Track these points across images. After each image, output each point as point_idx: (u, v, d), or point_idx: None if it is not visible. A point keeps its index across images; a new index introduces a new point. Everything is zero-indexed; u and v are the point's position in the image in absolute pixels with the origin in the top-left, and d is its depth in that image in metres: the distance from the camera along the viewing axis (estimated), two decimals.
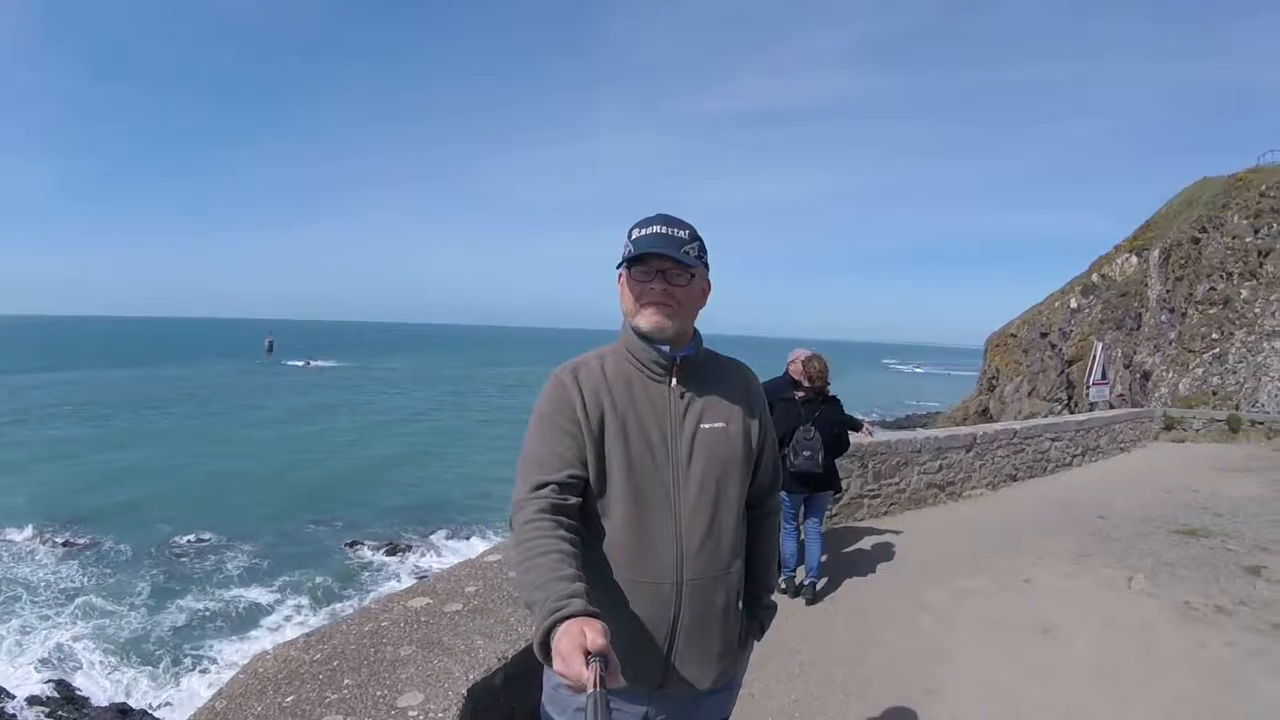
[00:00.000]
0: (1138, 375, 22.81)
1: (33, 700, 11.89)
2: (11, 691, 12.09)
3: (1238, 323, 20.19)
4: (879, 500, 8.56)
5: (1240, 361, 19.53)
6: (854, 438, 6.75)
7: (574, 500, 1.62)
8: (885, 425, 34.80)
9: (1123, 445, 14.66)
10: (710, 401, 1.74)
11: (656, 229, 1.66)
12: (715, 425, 1.72)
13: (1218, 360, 20.16)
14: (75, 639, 14.20)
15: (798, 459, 5.66)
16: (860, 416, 7.27)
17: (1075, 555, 7.35)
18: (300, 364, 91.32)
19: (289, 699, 2.08)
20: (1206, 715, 4.15)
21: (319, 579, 17.55)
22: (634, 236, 1.67)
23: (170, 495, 24.59)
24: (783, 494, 5.41)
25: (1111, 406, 17.07)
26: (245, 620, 15.48)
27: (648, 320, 1.67)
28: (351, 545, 20.05)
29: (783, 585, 5.81)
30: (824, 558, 6.08)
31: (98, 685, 12.80)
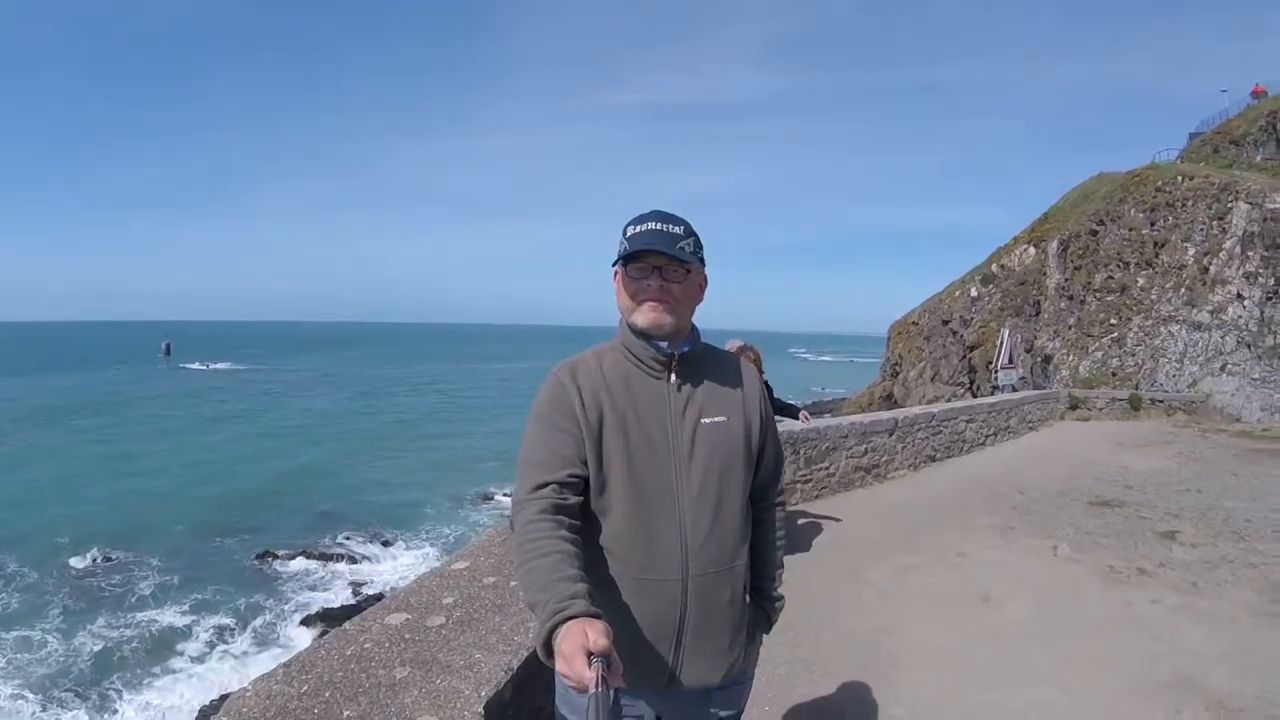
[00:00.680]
0: (1039, 359, 24.00)
1: None
2: None
3: (1135, 309, 21.58)
4: (810, 485, 8.77)
5: (1138, 345, 20.86)
6: (791, 424, 6.85)
7: (575, 500, 1.62)
8: None
9: (1032, 425, 15.40)
10: (710, 396, 1.75)
11: (651, 225, 1.66)
12: (716, 420, 1.73)
13: (1116, 344, 21.47)
14: None
15: None
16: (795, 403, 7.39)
17: (1000, 529, 7.69)
18: (200, 367, 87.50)
19: None
20: (1140, 665, 4.42)
21: (236, 595, 16.85)
22: (629, 234, 1.67)
23: (70, 515, 23.00)
24: None
25: (1015, 390, 17.87)
26: (165, 643, 14.72)
27: (644, 317, 1.67)
28: (264, 557, 19.28)
29: None
30: None
31: None
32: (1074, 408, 17.31)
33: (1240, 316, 19.05)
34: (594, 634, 1.23)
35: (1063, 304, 24.73)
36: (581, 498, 1.64)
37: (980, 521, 7.95)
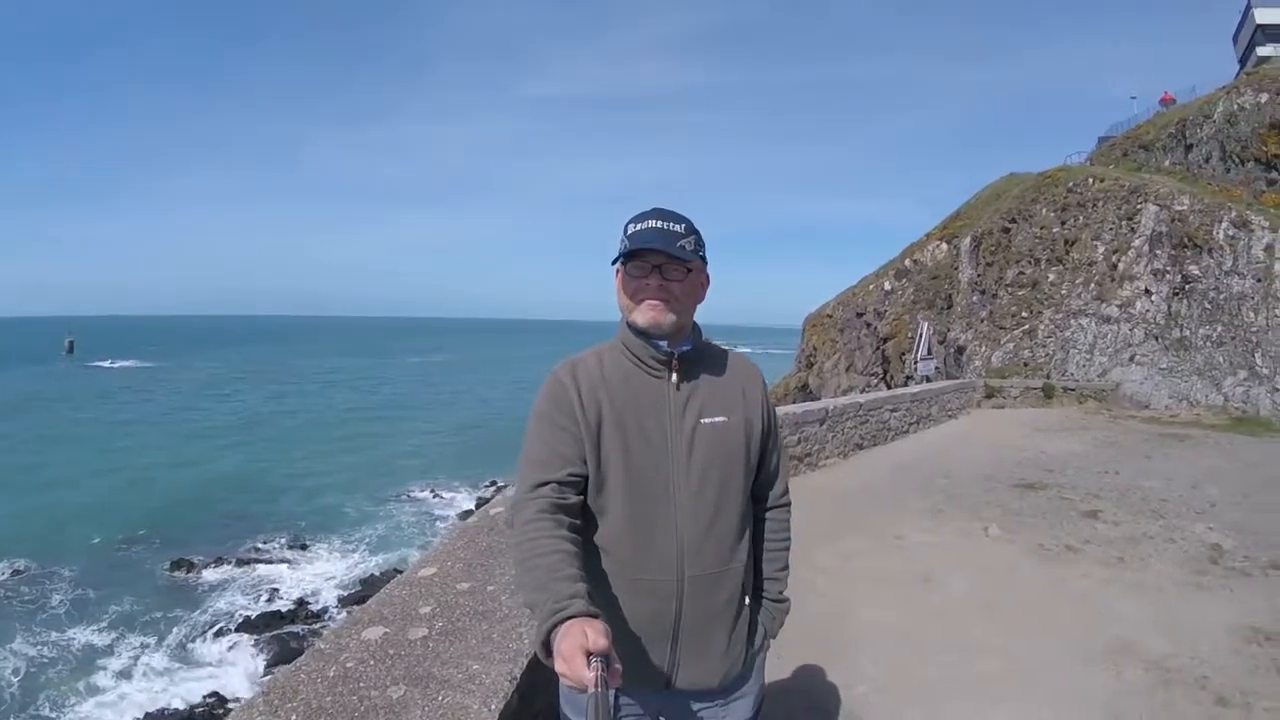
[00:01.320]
0: (952, 350, 24.90)
1: None
2: None
3: (1046, 303, 22.67)
4: None
5: (1049, 336, 21.91)
6: None
7: (575, 499, 1.62)
8: None
9: (951, 413, 15.98)
10: (710, 396, 1.74)
11: (651, 223, 1.66)
12: (716, 420, 1.72)
13: (1028, 335, 22.49)
14: None
15: None
16: None
17: (932, 512, 8.00)
18: (107, 365, 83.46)
19: None
20: (1079, 634, 4.71)
21: (154, 607, 16.15)
22: (629, 231, 1.67)
23: None
24: None
25: (931, 380, 18.50)
26: (87, 662, 14.01)
27: (644, 316, 1.66)
28: (180, 566, 18.49)
29: None
30: None
31: None
32: (990, 396, 18.08)
33: (1149, 310, 20.27)
34: (593, 634, 1.24)
35: (975, 298, 25.73)
36: (582, 497, 1.65)
37: (912, 505, 8.23)
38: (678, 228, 1.67)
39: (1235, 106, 24.07)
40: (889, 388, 22.41)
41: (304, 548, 20.07)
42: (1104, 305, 21.05)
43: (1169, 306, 19.85)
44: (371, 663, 2.25)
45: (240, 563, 18.69)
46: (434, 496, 26.22)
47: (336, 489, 27.02)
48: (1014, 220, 25.41)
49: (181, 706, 12.47)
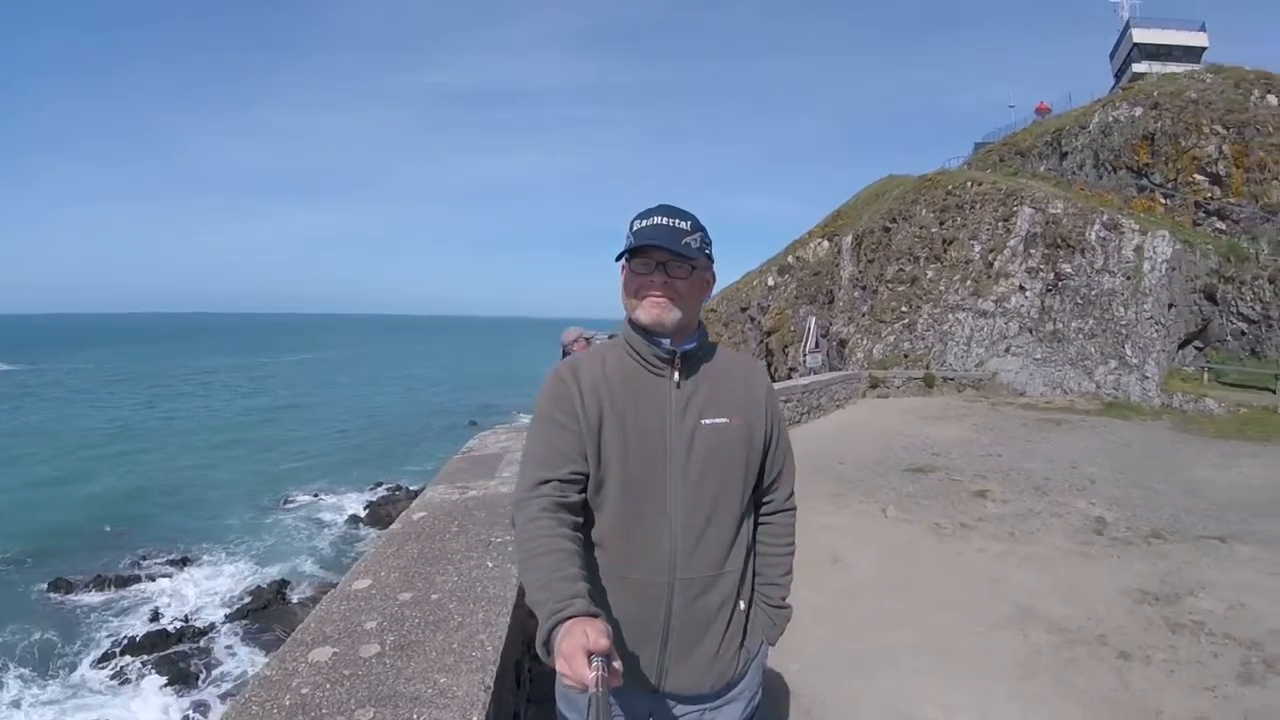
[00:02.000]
0: (835, 343, 25.85)
1: None
2: None
3: (924, 298, 23.87)
4: None
5: (928, 330, 23.06)
6: None
7: (577, 497, 1.61)
8: None
9: (839, 403, 16.58)
10: (713, 396, 1.72)
11: (657, 220, 1.64)
12: (717, 421, 1.69)
13: (908, 329, 23.59)
14: None
15: None
16: None
17: (831, 496, 8.30)
18: None
19: None
20: (983, 603, 5.01)
21: (32, 632, 14.66)
22: (634, 228, 1.64)
23: None
24: None
25: (815, 372, 19.11)
26: None
27: (646, 313, 1.65)
28: (56, 588, 16.91)
29: None
30: None
31: None
32: (874, 386, 18.84)
33: (1023, 305, 21.67)
34: (594, 634, 1.23)
35: (856, 293, 26.81)
36: (584, 495, 1.63)
37: (812, 490, 8.46)
38: (683, 225, 1.64)
39: (1110, 118, 25.98)
40: (774, 380, 23.07)
41: (186, 562, 18.88)
42: (980, 300, 22.30)
43: (1042, 302, 21.18)
44: (328, 687, 2.08)
45: (121, 581, 17.38)
46: (319, 501, 25.20)
47: (218, 497, 25.52)
48: (894, 220, 26.60)
49: None
